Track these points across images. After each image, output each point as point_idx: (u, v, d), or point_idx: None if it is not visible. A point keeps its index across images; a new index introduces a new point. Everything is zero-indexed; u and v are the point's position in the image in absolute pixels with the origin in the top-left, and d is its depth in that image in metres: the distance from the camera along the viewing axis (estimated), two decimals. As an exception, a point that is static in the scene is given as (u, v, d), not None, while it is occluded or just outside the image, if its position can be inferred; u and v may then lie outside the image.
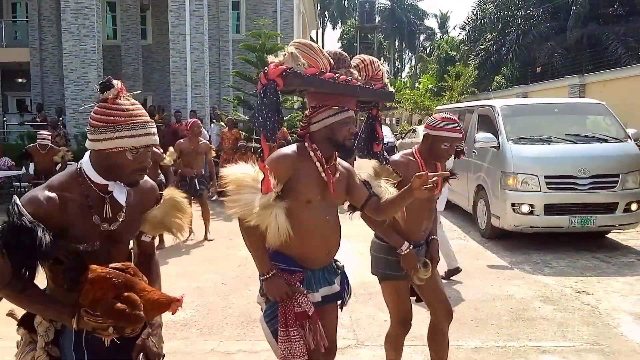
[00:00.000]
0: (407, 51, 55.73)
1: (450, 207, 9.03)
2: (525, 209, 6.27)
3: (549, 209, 6.18)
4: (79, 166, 1.70)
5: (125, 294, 1.56)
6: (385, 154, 2.68)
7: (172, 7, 13.14)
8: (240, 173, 2.15)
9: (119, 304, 1.53)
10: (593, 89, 14.40)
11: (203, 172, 7.36)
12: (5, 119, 14.83)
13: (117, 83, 1.66)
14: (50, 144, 8.12)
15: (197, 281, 5.36)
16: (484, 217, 7.11)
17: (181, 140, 7.17)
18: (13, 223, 1.50)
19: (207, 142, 7.47)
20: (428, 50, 49.24)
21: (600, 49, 17.73)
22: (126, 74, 17.12)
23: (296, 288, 2.18)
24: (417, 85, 37.12)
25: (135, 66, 17.19)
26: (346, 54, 2.42)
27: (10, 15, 18.94)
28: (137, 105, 1.71)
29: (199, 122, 7.39)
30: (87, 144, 1.67)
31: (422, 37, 52.23)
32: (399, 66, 57.62)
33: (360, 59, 2.51)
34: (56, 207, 1.58)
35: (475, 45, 25.21)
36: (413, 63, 51.24)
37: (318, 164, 2.21)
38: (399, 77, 51.09)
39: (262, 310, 2.29)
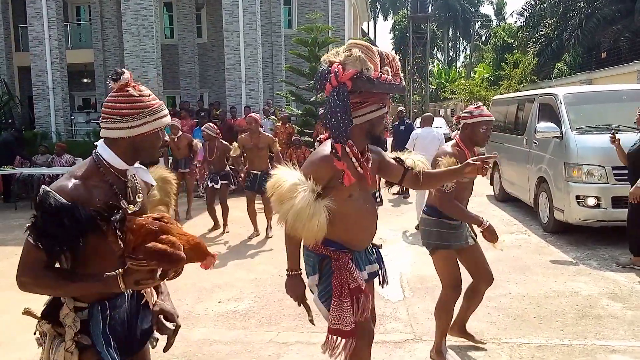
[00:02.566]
0: (461, 40, 54.29)
1: (510, 200, 8.76)
2: (591, 201, 5.98)
3: (617, 202, 5.85)
4: (94, 156, 1.74)
5: (163, 236, 1.62)
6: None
7: (225, 4, 13.36)
8: (282, 183, 2.23)
9: (159, 244, 1.59)
10: (664, 73, 13.51)
11: (269, 169, 7.10)
12: (72, 117, 15.61)
13: (127, 71, 1.74)
14: None
15: (254, 272, 5.47)
16: (546, 210, 6.84)
17: (242, 136, 7.24)
18: (49, 208, 1.55)
19: (269, 135, 7.32)
20: (484, 38, 47.81)
21: (673, 31, 16.61)
22: (183, 72, 17.64)
23: (352, 259, 2.40)
24: (472, 74, 36.15)
25: (191, 64, 17.65)
26: (383, 52, 2.48)
27: (75, 18, 19.91)
28: (148, 90, 1.81)
29: (254, 116, 7.22)
30: (118, 132, 1.71)
31: (477, 25, 50.73)
32: (453, 56, 56.22)
33: (385, 54, 2.55)
34: (84, 194, 1.64)
35: (534, 32, 24.24)
36: (468, 52, 49.91)
37: (354, 159, 2.34)
38: (454, 67, 49.87)
39: (314, 293, 2.46)
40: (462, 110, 32.89)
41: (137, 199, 1.79)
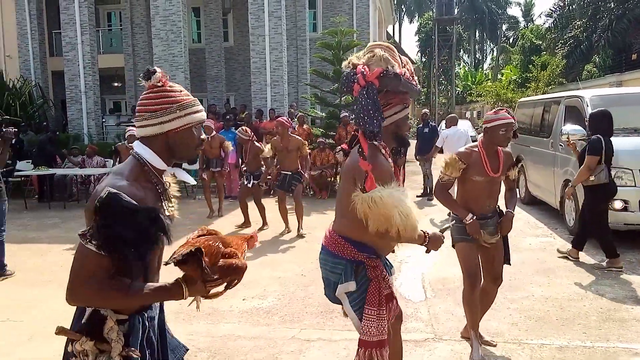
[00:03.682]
0: (488, 42, 53.63)
1: (536, 203, 8.68)
2: (619, 204, 5.90)
3: (645, 205, 5.77)
4: (135, 156, 1.69)
5: (227, 250, 1.67)
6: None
7: (251, 9, 13.58)
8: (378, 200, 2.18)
9: (232, 261, 1.65)
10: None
11: (299, 169, 7.48)
12: (103, 120, 16.06)
13: (158, 69, 1.72)
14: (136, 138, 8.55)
15: (278, 271, 5.58)
16: (572, 213, 6.77)
17: (274, 139, 7.56)
18: (124, 210, 1.47)
19: (299, 138, 7.57)
20: (511, 40, 47.15)
21: None
22: (210, 75, 17.95)
23: (385, 272, 2.41)
24: (499, 77, 35.72)
25: (218, 68, 17.96)
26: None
27: (106, 24, 20.47)
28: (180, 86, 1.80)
29: (283, 120, 7.53)
30: (150, 129, 1.68)
31: (504, 26, 50.07)
32: (480, 58, 55.61)
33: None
34: (142, 195, 1.58)
35: (563, 33, 23.86)
36: (495, 54, 49.30)
37: (390, 160, 2.40)
38: (480, 69, 49.34)
39: (344, 301, 2.40)
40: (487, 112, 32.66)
41: (171, 204, 1.77)
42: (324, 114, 12.45)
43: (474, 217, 3.31)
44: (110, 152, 11.59)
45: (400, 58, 2.59)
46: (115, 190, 1.48)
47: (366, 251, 2.36)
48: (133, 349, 1.58)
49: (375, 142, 2.32)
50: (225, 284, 1.68)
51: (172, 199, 1.78)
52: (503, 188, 3.57)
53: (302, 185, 7.66)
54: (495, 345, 3.65)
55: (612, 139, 6.34)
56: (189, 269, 1.57)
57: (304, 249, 6.51)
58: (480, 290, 3.52)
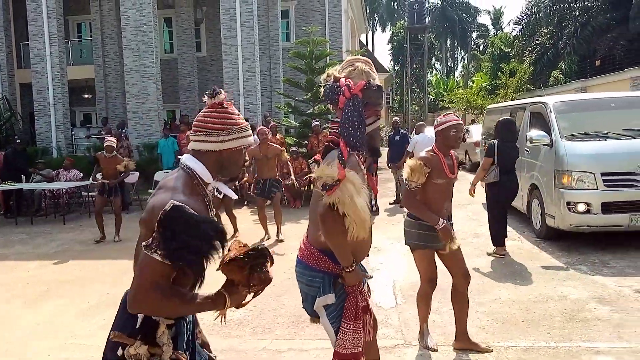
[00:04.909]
0: (459, 50, 54.62)
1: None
2: (582, 207, 6.07)
3: (607, 208, 5.96)
4: (185, 169, 1.78)
5: (261, 261, 1.83)
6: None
7: (223, 19, 13.59)
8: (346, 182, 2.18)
9: (269, 270, 1.82)
10: (658, 80, 13.64)
11: (277, 176, 7.79)
12: (73, 132, 15.80)
13: (222, 91, 1.86)
14: (115, 150, 8.30)
15: (250, 283, 5.56)
16: (539, 217, 6.94)
17: (252, 147, 7.59)
18: (190, 221, 1.58)
19: (277, 146, 7.82)
20: (481, 48, 48.07)
21: (666, 38, 16.77)
22: (183, 86, 17.85)
23: (365, 276, 2.41)
24: (470, 84, 36.35)
25: (191, 78, 17.88)
26: None
27: (76, 35, 20.18)
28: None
29: (265, 129, 7.96)
30: (207, 145, 1.81)
31: (474, 34, 51.11)
32: (452, 65, 56.56)
33: None
34: (200, 206, 1.71)
35: (530, 41, 24.41)
36: (466, 62, 50.20)
37: (364, 167, 2.39)
38: (452, 77, 50.15)
39: (322, 315, 2.35)
40: (460, 119, 33.36)
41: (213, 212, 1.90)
42: (297, 124, 12.50)
43: (445, 222, 3.38)
44: (89, 162, 11.48)
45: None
46: (179, 203, 1.60)
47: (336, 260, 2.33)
48: (180, 352, 1.71)
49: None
50: (253, 293, 1.82)
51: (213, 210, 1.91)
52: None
53: (280, 193, 7.77)
54: (491, 351, 3.67)
55: (573, 143, 6.56)
56: (238, 271, 1.74)
57: (277, 259, 6.49)
58: (452, 290, 3.68)
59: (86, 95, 19.73)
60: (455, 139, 3.50)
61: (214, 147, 1.81)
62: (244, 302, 1.82)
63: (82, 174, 11.23)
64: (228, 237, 1.72)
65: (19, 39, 17.67)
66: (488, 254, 6.28)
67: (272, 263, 1.91)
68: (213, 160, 1.82)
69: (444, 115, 3.63)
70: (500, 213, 6.27)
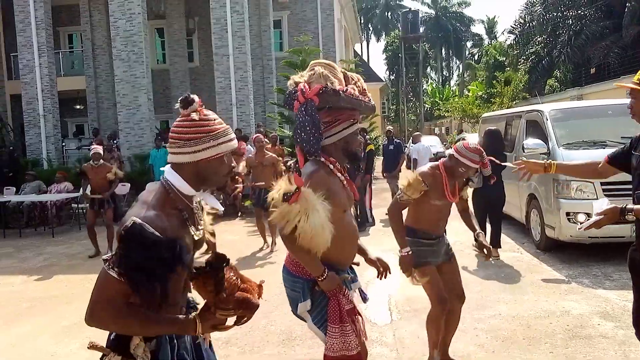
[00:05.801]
0: (454, 59, 54.90)
1: (502, 217, 8.65)
2: (582, 218, 5.88)
3: (608, 218, 5.78)
4: (163, 183, 1.72)
5: (243, 285, 1.70)
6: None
7: (215, 29, 13.46)
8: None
9: (246, 294, 1.67)
10: (654, 87, 13.57)
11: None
12: (64, 144, 15.58)
13: (195, 97, 1.72)
14: (102, 158, 8.02)
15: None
16: (538, 227, 6.76)
17: (250, 155, 7.82)
18: (146, 241, 1.51)
19: (274, 155, 7.75)
20: (476, 57, 48.30)
21: (661, 46, 16.77)
22: (175, 96, 17.61)
23: (345, 279, 2.39)
24: (466, 93, 36.41)
25: (183, 88, 17.68)
26: (348, 73, 2.64)
27: (67, 46, 20.03)
28: (214, 114, 1.80)
29: (261, 136, 7.90)
30: (182, 157, 1.70)
31: (469, 44, 51.39)
32: (447, 75, 56.77)
33: (350, 76, 2.67)
34: (167, 224, 1.61)
35: (524, 49, 24.47)
36: (461, 71, 50.38)
37: (340, 174, 2.42)
38: (447, 86, 50.27)
39: (307, 320, 2.41)
40: (456, 128, 32.94)
41: (200, 226, 1.79)
42: (290, 133, 12.34)
43: (410, 252, 3.20)
44: (76, 174, 11.19)
45: (350, 76, 2.59)
46: (139, 221, 1.53)
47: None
48: None
49: (322, 159, 2.37)
50: (235, 318, 1.69)
51: (202, 222, 1.81)
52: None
53: None
54: None
55: (571, 151, 6.44)
56: (203, 288, 1.62)
57: (269, 272, 6.31)
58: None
59: (78, 106, 19.54)
60: (460, 176, 3.29)
61: (189, 159, 1.69)
62: (221, 326, 1.67)
63: (73, 187, 11.00)
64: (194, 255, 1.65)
65: (8, 50, 17.50)
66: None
67: (260, 292, 1.80)
68: (190, 171, 1.71)
69: (467, 148, 3.25)
70: (482, 218, 6.39)
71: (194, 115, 1.70)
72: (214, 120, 1.74)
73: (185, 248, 1.60)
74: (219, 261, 1.63)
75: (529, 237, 7.18)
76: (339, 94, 2.27)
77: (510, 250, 6.90)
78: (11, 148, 11.96)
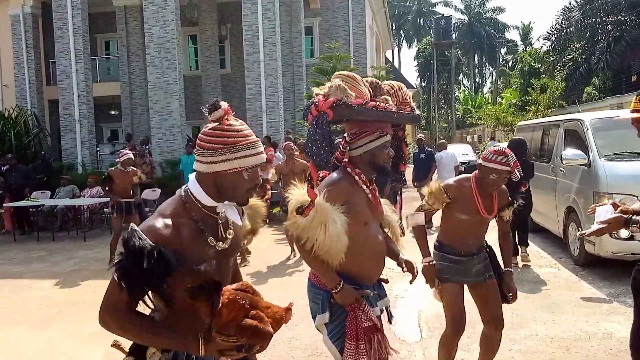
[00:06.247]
0: (487, 66, 53.90)
1: (538, 230, 8.35)
2: (624, 233, 5.58)
3: (653, 234, 5.48)
4: (183, 191, 1.69)
5: (253, 312, 1.59)
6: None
7: (246, 36, 13.53)
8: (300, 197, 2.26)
9: (252, 321, 1.57)
10: (701, 96, 12.95)
11: None
12: (98, 149, 15.91)
13: (224, 104, 1.66)
14: (132, 164, 7.93)
15: (265, 310, 5.26)
16: (577, 242, 6.46)
17: (280, 163, 7.83)
18: (132, 248, 1.51)
19: (304, 162, 7.62)
20: (510, 63, 47.36)
21: None
22: (206, 103, 17.52)
23: (364, 295, 2.30)
24: (499, 100, 35.72)
25: (215, 95, 17.85)
26: (379, 82, 2.60)
27: (104, 52, 20.50)
28: (245, 125, 1.72)
29: (291, 144, 7.95)
30: (201, 166, 1.66)
31: (503, 50, 50.41)
32: (480, 82, 55.81)
33: (389, 85, 2.65)
34: (173, 233, 1.59)
35: (561, 56, 23.80)
36: (494, 78, 49.51)
37: (365, 186, 2.39)
38: (480, 93, 49.46)
39: (323, 333, 2.37)
40: (488, 136, 32.29)
41: (228, 236, 1.73)
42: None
43: (432, 263, 3.08)
44: (102, 179, 11.31)
45: (390, 85, 2.62)
46: (136, 228, 1.55)
47: (343, 280, 2.29)
48: None
49: (348, 169, 2.40)
50: (243, 347, 1.57)
51: (229, 232, 1.74)
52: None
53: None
54: None
55: (613, 163, 6.16)
56: (199, 307, 1.55)
57: (296, 281, 6.20)
58: (482, 334, 3.28)
59: (113, 112, 19.94)
60: (492, 185, 3.01)
61: (205, 169, 1.65)
62: (228, 353, 1.56)
63: (103, 192, 11.16)
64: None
65: (48, 57, 18.01)
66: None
67: (287, 317, 1.70)
68: (209, 182, 1.66)
69: (494, 152, 3.01)
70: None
71: (218, 125, 1.65)
72: (238, 131, 1.65)
73: (174, 257, 1.53)
74: (208, 287, 1.55)
75: (567, 251, 6.87)
76: (352, 108, 2.22)
77: (547, 265, 6.62)
78: (43, 152, 12.29)
